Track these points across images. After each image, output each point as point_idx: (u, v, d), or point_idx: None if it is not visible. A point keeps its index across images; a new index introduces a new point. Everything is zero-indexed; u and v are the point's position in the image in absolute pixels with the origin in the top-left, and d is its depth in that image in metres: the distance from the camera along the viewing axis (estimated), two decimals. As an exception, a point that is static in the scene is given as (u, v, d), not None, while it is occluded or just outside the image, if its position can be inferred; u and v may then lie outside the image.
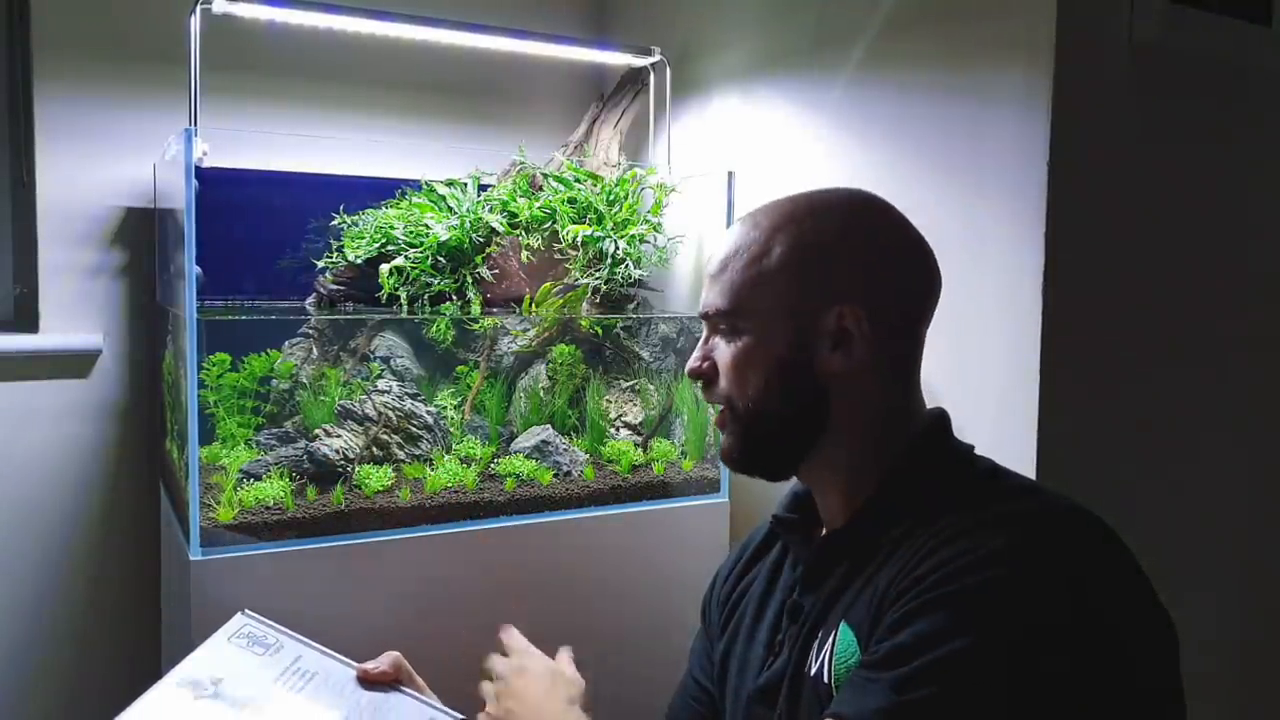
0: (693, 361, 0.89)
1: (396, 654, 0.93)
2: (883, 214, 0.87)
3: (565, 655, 1.02)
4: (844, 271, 0.83)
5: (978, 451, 0.86)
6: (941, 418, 0.87)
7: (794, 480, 0.92)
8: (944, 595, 0.69)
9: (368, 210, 1.55)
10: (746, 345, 0.85)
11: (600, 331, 1.60)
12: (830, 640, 0.79)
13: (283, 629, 0.94)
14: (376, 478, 1.34)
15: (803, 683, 0.81)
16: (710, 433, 1.56)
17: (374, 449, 1.40)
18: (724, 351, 0.86)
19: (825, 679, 0.78)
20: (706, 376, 0.88)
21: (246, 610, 0.95)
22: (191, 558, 1.18)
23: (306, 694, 0.86)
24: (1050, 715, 0.66)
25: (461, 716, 0.88)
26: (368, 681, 0.89)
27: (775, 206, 0.87)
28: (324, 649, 0.92)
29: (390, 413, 1.43)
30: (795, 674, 0.82)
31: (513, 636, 1.03)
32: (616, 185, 1.57)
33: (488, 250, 1.48)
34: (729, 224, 1.49)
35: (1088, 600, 0.69)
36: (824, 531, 0.89)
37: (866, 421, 0.84)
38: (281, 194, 1.61)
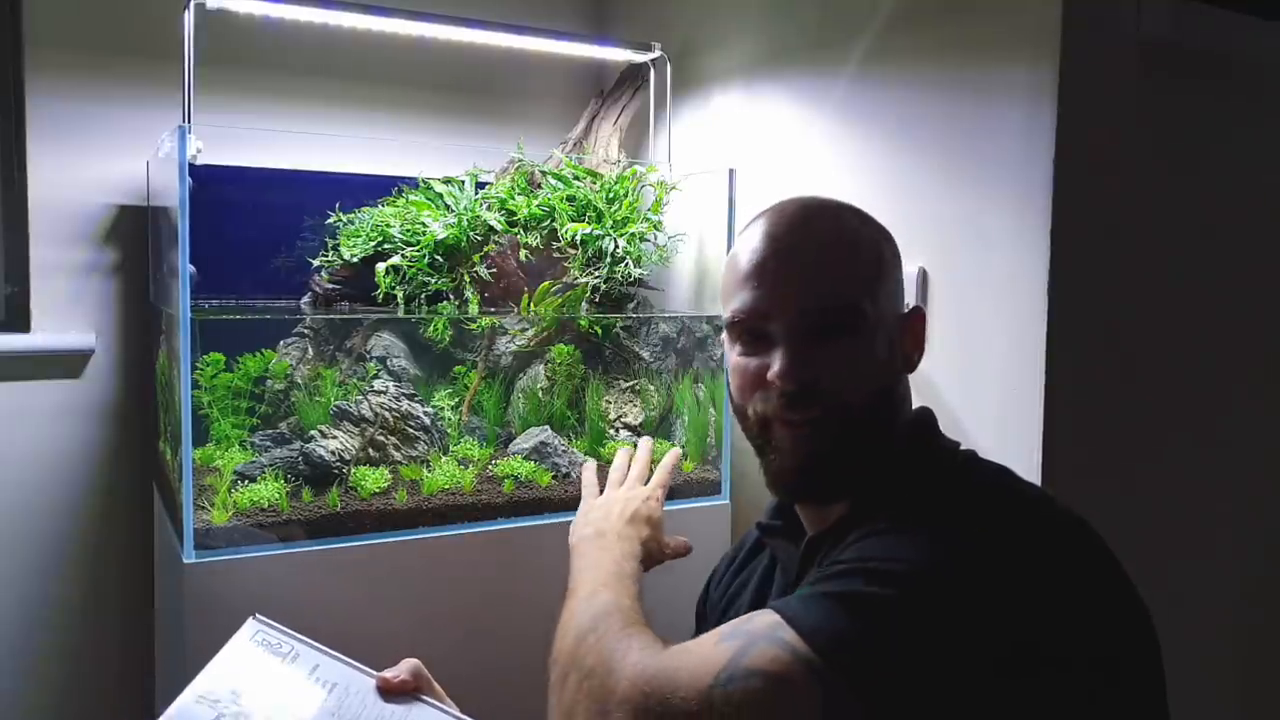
0: (803, 370, 0.78)
1: (416, 661, 0.89)
2: None
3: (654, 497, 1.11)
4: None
5: (982, 451, 0.85)
6: (925, 417, 0.86)
7: None
8: (889, 571, 0.67)
9: (364, 208, 1.53)
10: (867, 343, 0.79)
11: (600, 331, 1.58)
12: None
13: (295, 635, 0.90)
14: (373, 479, 1.33)
15: None
16: (712, 434, 1.54)
17: (370, 450, 1.39)
18: (833, 350, 0.79)
19: None
20: (822, 384, 0.78)
21: (257, 615, 0.91)
22: (185, 560, 1.16)
23: (329, 706, 0.83)
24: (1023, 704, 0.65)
25: None
26: (388, 691, 0.86)
27: (843, 207, 0.86)
28: (338, 655, 0.89)
29: (387, 413, 1.41)
30: None
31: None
32: (616, 183, 1.56)
33: (486, 249, 1.47)
34: (731, 222, 1.47)
35: (1048, 598, 0.68)
36: (807, 538, 0.87)
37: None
38: (277, 192, 1.60)
